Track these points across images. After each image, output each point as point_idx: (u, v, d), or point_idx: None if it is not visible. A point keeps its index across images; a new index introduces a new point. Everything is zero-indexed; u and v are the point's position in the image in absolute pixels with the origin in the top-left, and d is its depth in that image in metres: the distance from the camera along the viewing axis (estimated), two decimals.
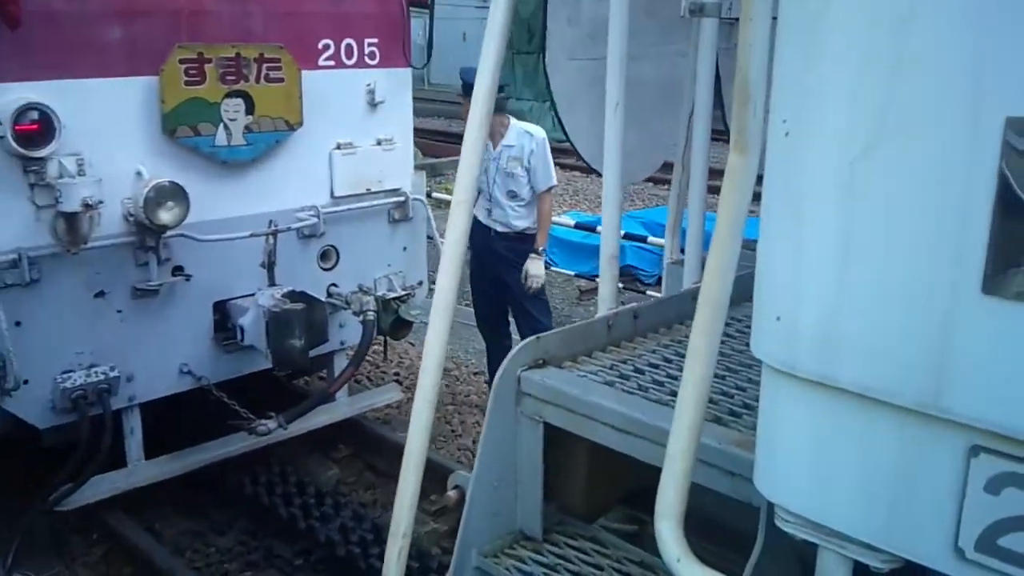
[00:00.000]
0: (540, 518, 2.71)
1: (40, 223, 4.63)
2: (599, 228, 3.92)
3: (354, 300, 5.69)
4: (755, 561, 1.93)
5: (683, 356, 1.80)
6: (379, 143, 6.03)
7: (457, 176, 2.54)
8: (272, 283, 5.37)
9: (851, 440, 1.53)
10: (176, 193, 4.86)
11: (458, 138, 2.56)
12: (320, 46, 5.65)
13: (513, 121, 6.58)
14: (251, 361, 5.62)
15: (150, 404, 5.30)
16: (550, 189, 6.56)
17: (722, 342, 1.90)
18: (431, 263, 6.41)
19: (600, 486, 2.85)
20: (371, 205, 6.05)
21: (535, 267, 6.44)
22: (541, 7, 3.93)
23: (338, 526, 5.41)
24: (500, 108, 6.42)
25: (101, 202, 4.60)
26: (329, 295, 5.80)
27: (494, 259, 6.66)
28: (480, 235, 6.71)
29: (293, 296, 5.27)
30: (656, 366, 2.82)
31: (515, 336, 6.85)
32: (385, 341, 6.37)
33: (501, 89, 6.68)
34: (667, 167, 4.34)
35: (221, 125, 5.22)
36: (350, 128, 5.90)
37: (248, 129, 5.33)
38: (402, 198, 6.20)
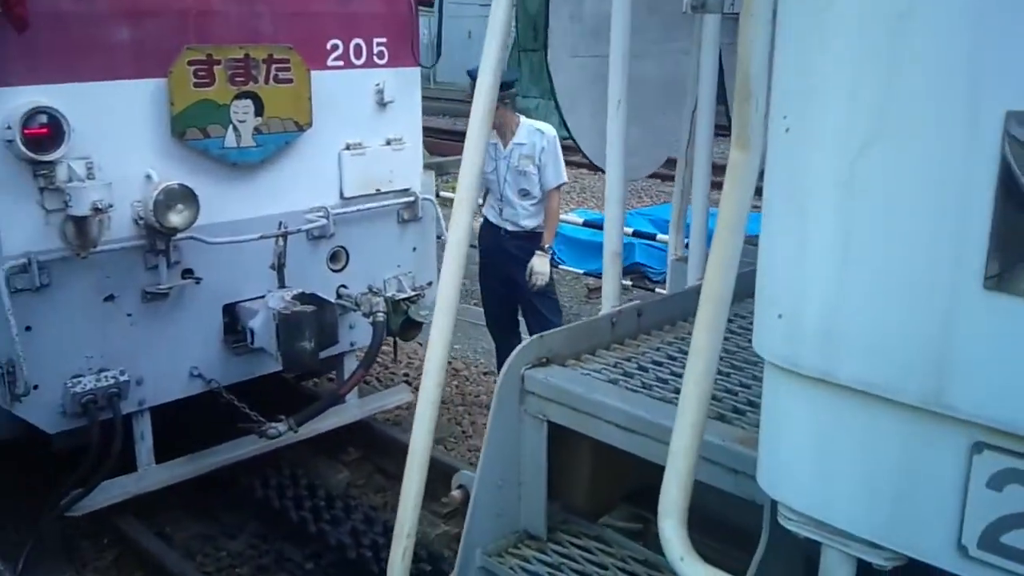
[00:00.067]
0: (544, 517, 2.71)
1: (50, 227, 4.62)
2: None
3: (364, 301, 5.67)
4: (759, 559, 1.92)
5: (687, 353, 1.79)
6: (388, 143, 6.02)
7: (460, 174, 2.53)
8: (282, 285, 5.36)
9: (853, 437, 1.52)
10: (186, 196, 4.86)
11: (464, 137, 2.55)
12: (329, 46, 5.65)
13: (523, 119, 6.59)
14: (261, 364, 5.61)
15: (160, 408, 5.29)
16: (559, 187, 6.56)
17: (726, 339, 1.90)
18: (440, 263, 6.39)
19: (604, 484, 2.84)
20: (380, 205, 6.04)
21: (540, 264, 6.42)
22: (545, 4, 3.92)
23: (349, 529, 5.40)
24: (510, 106, 6.44)
25: (111, 205, 4.59)
26: (339, 296, 5.79)
27: (504, 258, 6.65)
28: (490, 235, 6.71)
29: (303, 298, 5.27)
30: (660, 363, 2.81)
31: (525, 335, 6.82)
32: (395, 342, 6.34)
33: (511, 86, 6.62)
34: (672, 163, 4.31)
35: (230, 127, 5.21)
36: (359, 128, 5.88)
37: (257, 130, 5.32)
38: (412, 198, 6.19)
